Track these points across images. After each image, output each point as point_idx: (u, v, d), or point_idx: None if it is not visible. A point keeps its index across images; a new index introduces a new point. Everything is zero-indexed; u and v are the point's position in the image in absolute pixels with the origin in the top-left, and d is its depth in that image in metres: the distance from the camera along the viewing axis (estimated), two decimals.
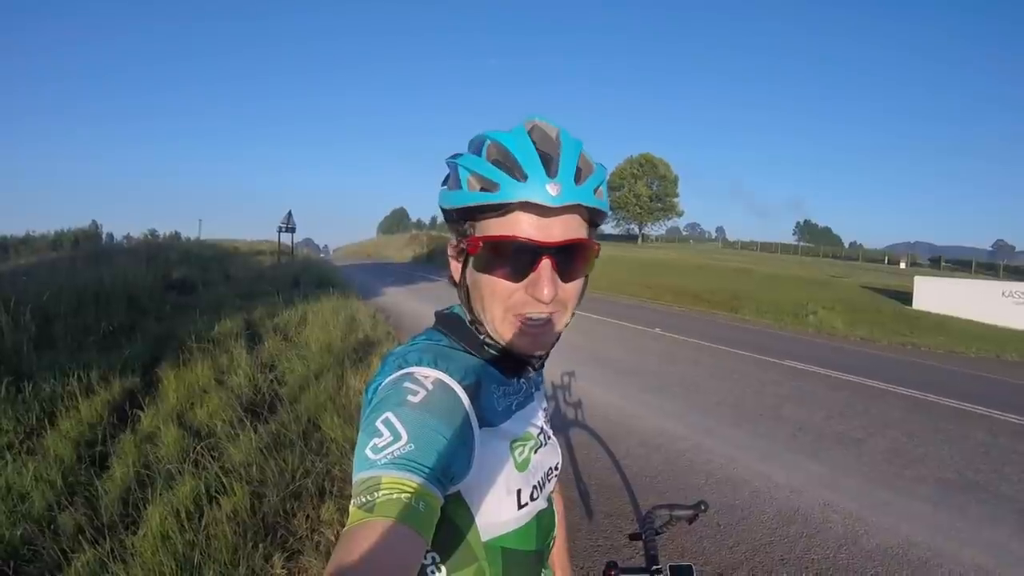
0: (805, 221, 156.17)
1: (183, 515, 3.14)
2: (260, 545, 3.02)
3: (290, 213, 22.07)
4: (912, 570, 3.51)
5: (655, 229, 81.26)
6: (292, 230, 22.30)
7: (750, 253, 64.93)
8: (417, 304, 15.68)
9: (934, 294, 18.54)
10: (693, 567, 1.31)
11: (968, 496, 4.64)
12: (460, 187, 0.82)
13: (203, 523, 3.11)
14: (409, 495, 0.64)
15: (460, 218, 0.85)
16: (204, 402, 5.00)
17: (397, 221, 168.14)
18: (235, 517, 3.20)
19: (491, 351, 0.89)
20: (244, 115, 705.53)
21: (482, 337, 0.89)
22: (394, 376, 0.80)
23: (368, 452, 0.68)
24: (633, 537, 1.55)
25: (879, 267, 52.30)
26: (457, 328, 0.93)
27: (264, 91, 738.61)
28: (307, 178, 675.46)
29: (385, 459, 0.67)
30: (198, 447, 3.93)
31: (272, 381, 5.90)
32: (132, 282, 10.32)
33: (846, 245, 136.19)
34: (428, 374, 0.80)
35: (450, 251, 0.90)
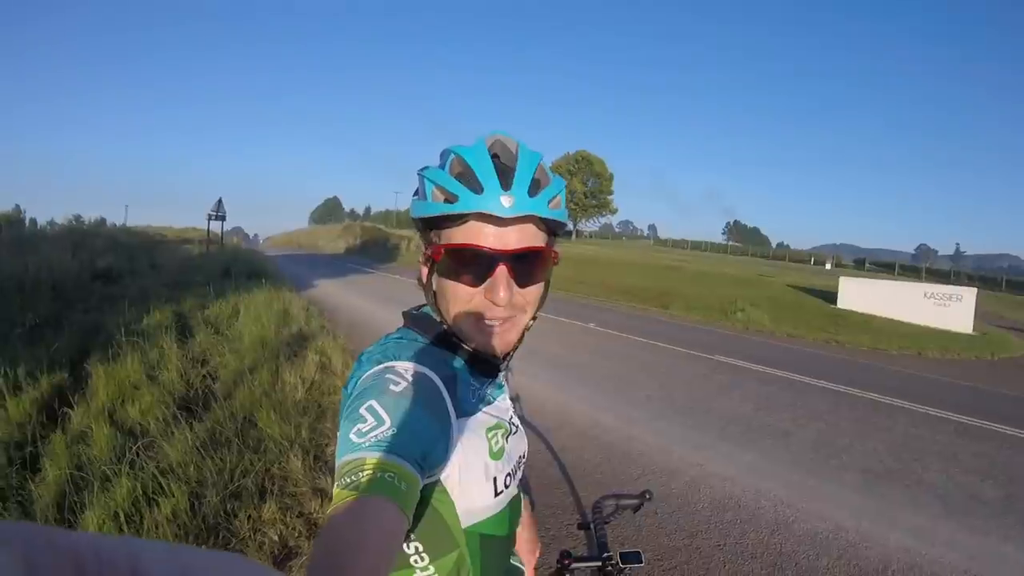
0: (735, 222, 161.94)
1: (122, 518, 3.05)
2: (202, 547, 2.95)
3: (220, 200, 21.45)
4: (841, 552, 3.73)
5: (589, 225, 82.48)
6: (222, 218, 21.68)
7: (681, 251, 66.87)
8: (354, 299, 15.50)
9: (858, 294, 19.13)
10: (641, 553, 1.38)
11: (892, 483, 4.94)
12: (425, 198, 0.88)
13: (144, 526, 3.03)
14: (392, 475, 0.67)
15: (426, 227, 0.90)
16: (135, 399, 4.82)
17: (330, 211, 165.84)
18: (175, 519, 3.13)
19: (463, 348, 0.94)
20: (171, 96, 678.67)
21: (453, 336, 0.94)
22: (375, 370, 0.85)
23: (352, 436, 0.72)
24: (581, 527, 1.62)
25: (805, 267, 54.47)
26: (430, 327, 0.97)
27: (192, 71, 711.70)
28: (238, 165, 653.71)
29: (369, 442, 0.70)
30: (133, 447, 3.82)
31: (205, 376, 5.76)
32: (57, 271, 9.86)
33: (773, 245, 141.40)
34: (408, 367, 0.85)
35: (421, 258, 0.95)
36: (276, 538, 3.20)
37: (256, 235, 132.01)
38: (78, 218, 25.04)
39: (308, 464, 3.98)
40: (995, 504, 4.66)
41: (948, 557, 3.78)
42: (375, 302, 14.64)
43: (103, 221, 28.88)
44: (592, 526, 1.53)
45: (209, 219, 21.55)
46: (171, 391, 5.14)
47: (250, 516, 3.34)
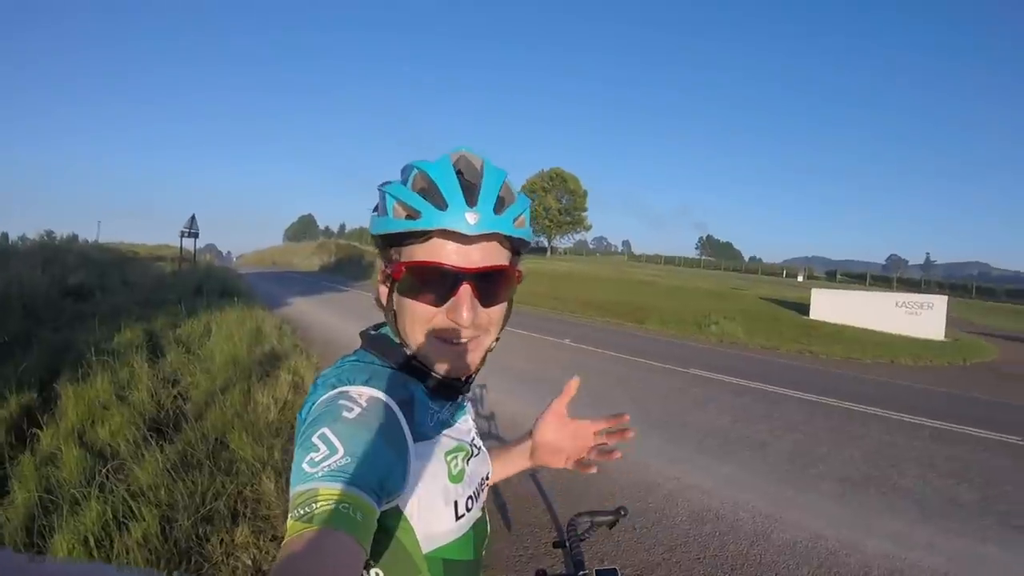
0: (707, 236, 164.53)
1: (92, 543, 2.97)
2: (174, 573, 2.89)
3: (193, 217, 21.19)
4: (822, 561, 3.75)
5: (563, 242, 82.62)
6: (195, 235, 21.41)
7: (655, 266, 66.88)
8: (327, 316, 15.44)
9: (831, 305, 19.31)
10: (618, 570, 1.35)
11: (869, 490, 5.00)
12: (386, 214, 0.85)
13: (114, 550, 2.96)
14: (347, 505, 0.65)
15: (386, 244, 0.87)
16: (105, 420, 4.73)
17: (304, 228, 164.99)
18: (146, 544, 3.06)
19: (423, 370, 0.91)
20: (146, 113, 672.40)
21: (412, 360, 0.91)
22: (329, 395, 0.81)
23: (305, 466, 0.69)
24: (556, 545, 1.60)
25: (778, 280, 54.89)
26: (388, 349, 0.94)
27: (169, 88, 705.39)
28: (211, 181, 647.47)
29: (322, 472, 0.68)
30: (103, 469, 3.73)
31: (176, 397, 5.68)
32: (28, 288, 9.69)
33: (746, 259, 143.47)
34: (362, 392, 0.82)
35: (379, 276, 0.93)
36: (249, 562, 3.13)
37: (229, 252, 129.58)
38: (50, 233, 24.55)
39: (281, 486, 3.90)
40: (972, 507, 4.74)
41: (927, 561, 3.83)
42: (350, 320, 14.44)
43: (75, 237, 28.38)
44: (567, 544, 1.51)
45: (182, 236, 21.29)
46: (141, 412, 5.05)
47: (223, 540, 3.27)
